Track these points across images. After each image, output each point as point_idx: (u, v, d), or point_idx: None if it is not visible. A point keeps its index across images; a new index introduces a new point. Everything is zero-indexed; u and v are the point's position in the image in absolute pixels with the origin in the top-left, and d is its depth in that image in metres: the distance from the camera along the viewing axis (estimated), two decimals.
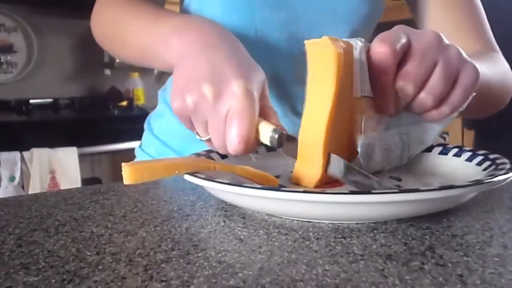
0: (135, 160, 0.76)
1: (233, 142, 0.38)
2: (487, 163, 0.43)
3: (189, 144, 0.68)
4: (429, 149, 0.50)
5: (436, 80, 0.40)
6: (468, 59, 0.42)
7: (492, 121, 1.48)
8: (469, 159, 0.46)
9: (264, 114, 0.42)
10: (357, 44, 0.40)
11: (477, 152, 0.46)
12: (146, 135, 0.76)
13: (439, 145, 0.50)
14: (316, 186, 0.41)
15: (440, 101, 0.41)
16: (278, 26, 0.62)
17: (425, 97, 0.40)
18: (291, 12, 0.61)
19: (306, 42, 0.39)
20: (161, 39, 0.49)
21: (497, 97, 0.60)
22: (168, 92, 0.73)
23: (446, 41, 0.42)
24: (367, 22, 0.65)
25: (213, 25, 0.47)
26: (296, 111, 0.66)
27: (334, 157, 0.39)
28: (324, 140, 0.39)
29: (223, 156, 0.48)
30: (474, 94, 0.43)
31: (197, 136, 0.44)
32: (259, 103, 0.40)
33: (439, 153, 0.49)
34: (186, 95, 0.41)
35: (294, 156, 0.42)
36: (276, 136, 0.39)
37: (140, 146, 0.76)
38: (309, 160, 0.41)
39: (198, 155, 0.47)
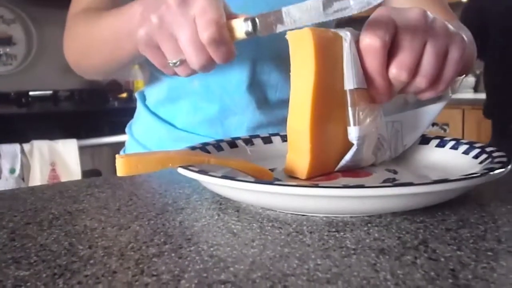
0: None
1: (204, 29, 0.40)
2: (484, 156, 0.42)
3: (166, 143, 0.69)
4: (426, 141, 0.50)
5: (428, 62, 0.39)
6: (454, 30, 0.42)
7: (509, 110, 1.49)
8: (466, 152, 0.45)
9: (230, 16, 0.42)
10: (347, 35, 0.39)
11: (474, 145, 0.45)
12: (128, 140, 0.77)
13: (436, 137, 0.50)
14: (309, 176, 0.41)
15: (434, 79, 0.41)
16: (240, 10, 0.61)
17: (420, 80, 0.40)
18: None
19: (288, 32, 0.39)
20: (124, 17, 0.51)
21: (469, 60, 0.60)
22: (145, 91, 0.75)
23: (431, 15, 0.41)
24: None
25: None
26: (268, 101, 0.66)
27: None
28: (310, 127, 0.39)
29: (219, 149, 0.48)
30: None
31: (170, 65, 0.45)
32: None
33: (436, 146, 0.49)
34: (150, 15, 0.42)
35: None
36: (249, 21, 0.40)
37: (123, 151, 0.78)
38: (298, 150, 0.41)
39: (193, 148, 0.46)
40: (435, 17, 0.41)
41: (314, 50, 0.37)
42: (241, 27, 0.40)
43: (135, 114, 0.78)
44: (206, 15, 0.40)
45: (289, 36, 0.39)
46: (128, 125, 0.78)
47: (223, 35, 0.40)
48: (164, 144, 0.69)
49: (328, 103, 0.40)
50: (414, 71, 0.40)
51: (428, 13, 0.41)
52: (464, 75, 0.45)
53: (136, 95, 0.77)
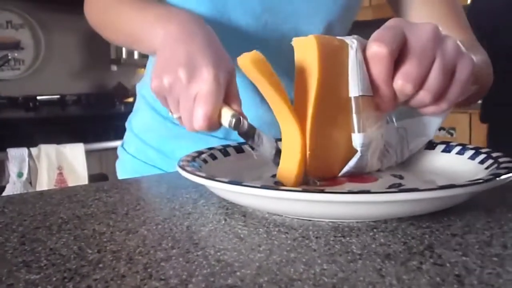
0: (118, 160, 0.77)
1: (198, 120, 0.43)
2: (490, 161, 0.42)
3: (167, 140, 0.68)
4: (432, 146, 0.50)
5: (434, 78, 0.39)
6: (464, 50, 0.42)
7: (507, 114, 1.45)
8: (472, 157, 0.45)
9: (229, 100, 0.45)
10: (353, 43, 0.40)
11: (480, 150, 0.45)
12: (127, 133, 0.77)
13: (442, 142, 0.50)
14: (296, 184, 0.41)
15: (438, 96, 0.41)
16: (253, 14, 0.62)
17: (424, 95, 0.40)
18: (267, 1, 0.62)
19: (294, 39, 0.40)
20: (147, 27, 0.53)
21: (484, 83, 0.60)
22: (144, 85, 0.74)
23: (443, 33, 0.41)
24: (344, 14, 0.66)
25: (192, 16, 0.51)
26: None
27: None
28: (310, 132, 0.39)
29: (226, 154, 0.49)
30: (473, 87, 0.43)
31: (170, 113, 0.49)
32: (226, 90, 0.45)
33: (442, 151, 0.49)
34: (163, 76, 0.46)
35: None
36: (234, 120, 0.43)
37: (122, 145, 0.77)
38: (289, 157, 0.41)
39: (199, 153, 0.47)
40: (447, 35, 0.41)
41: (318, 58, 0.38)
42: (227, 119, 0.43)
43: (134, 107, 0.76)
44: (204, 108, 0.43)
45: (294, 42, 0.40)
46: (128, 119, 0.77)
47: (210, 127, 0.44)
48: (164, 141, 0.69)
49: (331, 111, 0.40)
50: (420, 85, 0.40)
51: (440, 29, 0.41)
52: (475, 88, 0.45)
53: (137, 86, 0.76)
